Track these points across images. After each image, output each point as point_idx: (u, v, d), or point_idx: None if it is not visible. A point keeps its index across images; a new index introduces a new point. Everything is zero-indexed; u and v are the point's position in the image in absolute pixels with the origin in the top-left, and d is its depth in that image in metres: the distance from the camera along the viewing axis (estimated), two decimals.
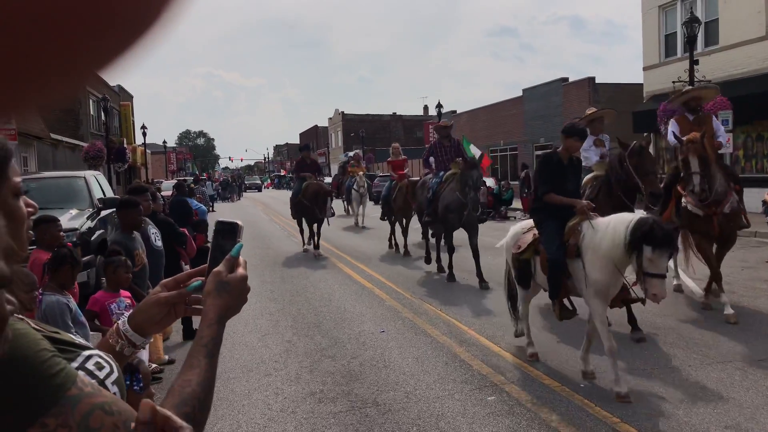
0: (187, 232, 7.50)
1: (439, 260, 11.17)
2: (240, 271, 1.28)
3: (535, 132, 29.89)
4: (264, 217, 27.47)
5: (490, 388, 5.27)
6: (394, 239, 14.19)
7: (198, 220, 9.36)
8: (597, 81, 27.08)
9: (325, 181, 21.12)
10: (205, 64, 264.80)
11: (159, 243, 6.21)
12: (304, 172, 14.39)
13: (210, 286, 1.26)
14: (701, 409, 4.67)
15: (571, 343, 6.50)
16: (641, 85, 24.26)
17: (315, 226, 13.66)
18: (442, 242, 10.81)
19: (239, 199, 44.93)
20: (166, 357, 6.23)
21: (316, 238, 13.68)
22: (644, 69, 23.94)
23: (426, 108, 66.74)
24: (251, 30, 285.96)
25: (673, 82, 19.12)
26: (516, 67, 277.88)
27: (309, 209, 13.60)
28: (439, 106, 34.53)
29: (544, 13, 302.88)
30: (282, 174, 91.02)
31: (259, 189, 66.17)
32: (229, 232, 1.34)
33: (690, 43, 17.77)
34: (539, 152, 26.63)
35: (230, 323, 1.28)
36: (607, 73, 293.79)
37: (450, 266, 10.21)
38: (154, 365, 5.49)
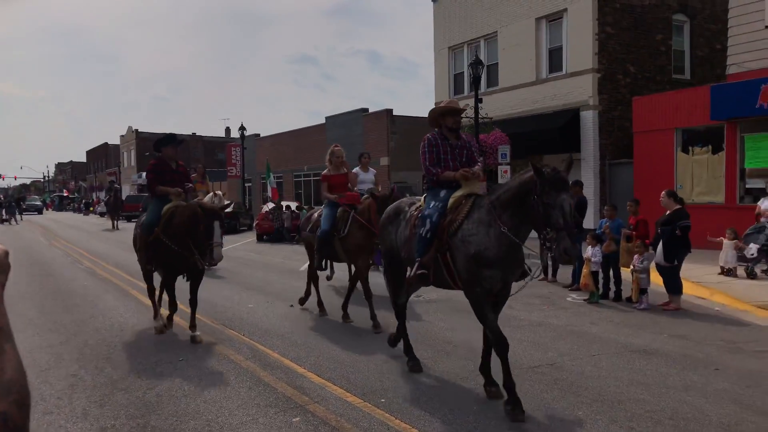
0: None
1: (405, 338, 6.64)
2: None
3: None
4: (42, 241, 24.86)
5: (294, 410, 5.26)
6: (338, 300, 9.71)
7: None
8: (394, 113, 28.69)
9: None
10: None
11: None
12: (166, 183, 8.18)
13: None
14: (492, 413, 5.10)
15: (371, 357, 6.73)
16: None
17: (189, 284, 7.95)
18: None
19: (18, 221, 40.05)
20: None
21: (189, 307, 7.89)
22: (436, 104, 25.88)
23: (228, 130, 65.68)
24: (29, 37, 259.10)
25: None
26: (318, 95, 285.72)
27: (175, 256, 7.61)
28: (242, 128, 34.16)
29: (344, 46, 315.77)
30: (64, 194, 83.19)
31: (39, 211, 59.55)
32: None
33: (475, 82, 19.62)
34: None
35: None
36: (403, 106, 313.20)
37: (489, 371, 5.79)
38: None
